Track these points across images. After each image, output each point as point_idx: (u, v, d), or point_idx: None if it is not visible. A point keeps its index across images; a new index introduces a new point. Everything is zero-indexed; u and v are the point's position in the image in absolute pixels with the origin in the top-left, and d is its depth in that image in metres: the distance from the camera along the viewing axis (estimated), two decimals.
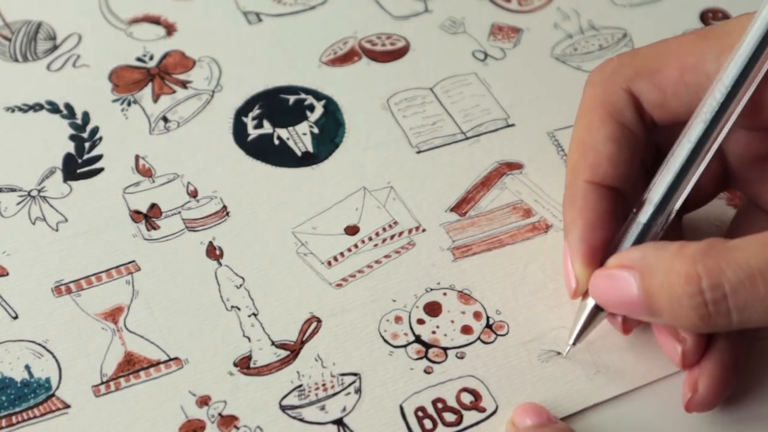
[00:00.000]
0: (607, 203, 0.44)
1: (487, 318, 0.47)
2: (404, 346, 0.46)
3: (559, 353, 0.46)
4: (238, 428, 0.43)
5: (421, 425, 0.44)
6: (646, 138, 0.45)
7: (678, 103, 0.44)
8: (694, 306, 0.38)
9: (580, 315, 0.44)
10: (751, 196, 0.47)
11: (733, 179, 0.47)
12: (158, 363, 0.45)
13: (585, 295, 0.44)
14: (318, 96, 0.56)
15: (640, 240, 0.43)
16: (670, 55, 0.44)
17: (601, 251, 0.43)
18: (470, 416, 0.44)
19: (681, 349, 0.43)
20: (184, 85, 0.56)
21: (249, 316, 0.47)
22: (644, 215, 0.43)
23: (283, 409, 0.44)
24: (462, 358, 0.46)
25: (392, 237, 0.50)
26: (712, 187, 0.47)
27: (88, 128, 0.53)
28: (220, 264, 0.48)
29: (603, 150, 0.44)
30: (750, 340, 0.45)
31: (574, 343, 0.45)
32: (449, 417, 0.44)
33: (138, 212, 0.50)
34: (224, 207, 0.50)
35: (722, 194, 0.50)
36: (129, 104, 0.55)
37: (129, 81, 0.56)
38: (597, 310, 0.44)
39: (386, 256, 0.49)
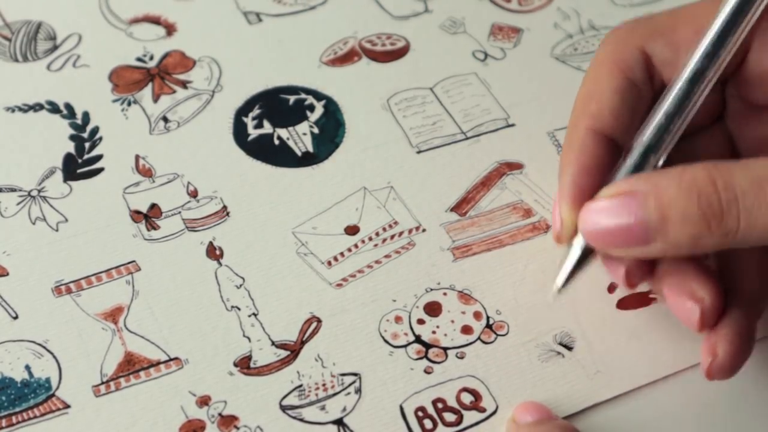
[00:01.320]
0: (603, 151, 0.44)
1: (487, 318, 0.47)
2: (404, 346, 0.46)
3: (559, 353, 0.46)
4: (238, 428, 0.43)
5: (421, 425, 0.44)
6: (652, 96, 0.45)
7: None
8: (709, 203, 0.39)
9: (568, 256, 0.43)
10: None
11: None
12: (158, 363, 0.45)
13: (572, 237, 0.43)
14: (318, 96, 0.56)
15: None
16: (685, 17, 0.45)
17: (588, 196, 0.43)
18: (470, 416, 0.44)
19: (700, 308, 0.42)
20: (184, 85, 0.56)
21: (249, 316, 0.47)
22: (631, 159, 0.43)
23: (283, 409, 0.44)
24: (462, 358, 0.46)
25: (392, 237, 0.50)
26: None
27: (88, 128, 0.53)
28: (220, 264, 0.48)
29: (607, 100, 0.44)
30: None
31: (562, 287, 0.44)
32: (449, 417, 0.44)
33: (138, 212, 0.50)
34: (224, 207, 0.50)
35: None
36: (129, 104, 0.55)
37: (129, 81, 0.56)
38: (587, 251, 0.43)
39: (386, 256, 0.49)
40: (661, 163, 0.43)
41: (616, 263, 0.43)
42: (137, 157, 0.52)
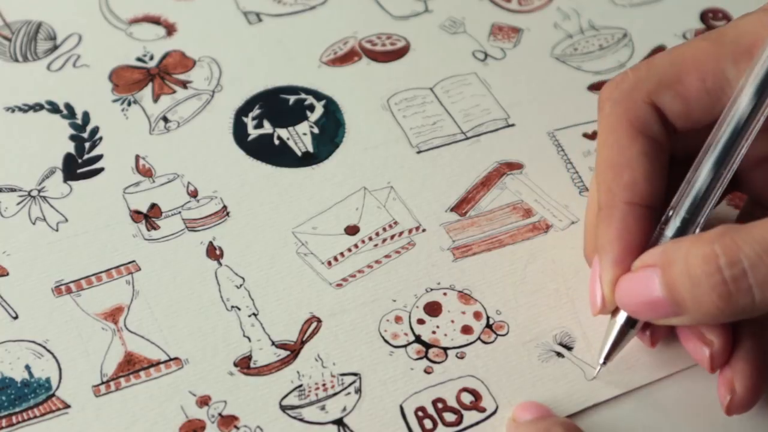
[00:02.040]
0: (643, 223, 0.43)
1: (487, 318, 0.47)
2: (404, 346, 0.46)
3: (559, 354, 0.46)
4: (238, 428, 0.43)
5: (421, 425, 0.44)
6: (670, 149, 0.45)
7: (701, 110, 0.44)
8: (713, 285, 0.38)
9: (610, 332, 0.44)
10: (755, 196, 0.47)
11: (737, 181, 0.47)
12: (158, 363, 0.45)
13: (613, 313, 0.43)
14: (318, 96, 0.56)
15: None
16: (687, 64, 0.44)
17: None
18: (470, 416, 0.44)
19: (709, 352, 0.42)
20: (184, 85, 0.56)
21: (249, 316, 0.47)
22: (671, 229, 0.43)
23: (283, 409, 0.44)
24: (462, 358, 0.46)
25: (392, 237, 0.50)
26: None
27: (88, 128, 0.53)
28: (220, 264, 0.48)
29: (638, 168, 0.43)
30: None
31: (604, 363, 0.44)
32: (449, 417, 0.44)
33: (138, 212, 0.50)
34: (224, 207, 0.50)
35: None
36: (129, 104, 0.55)
37: (129, 81, 0.56)
38: (627, 326, 0.43)
39: (386, 256, 0.49)
40: (701, 226, 0.43)
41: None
42: (137, 157, 0.52)
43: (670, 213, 0.43)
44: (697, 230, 0.42)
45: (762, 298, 0.38)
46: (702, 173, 0.42)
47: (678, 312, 0.40)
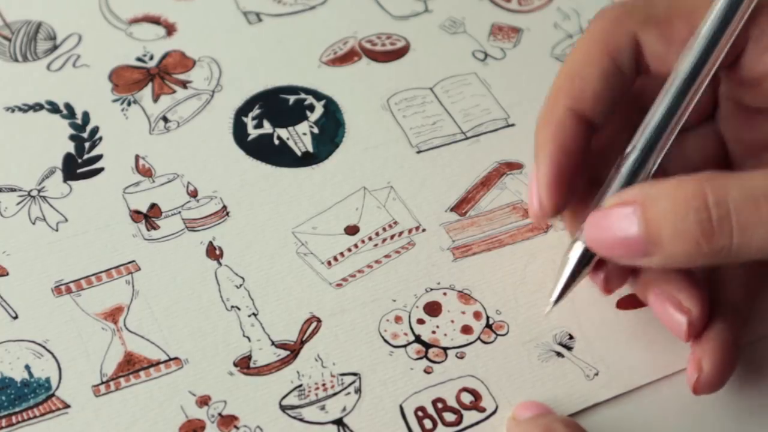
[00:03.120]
0: (581, 132, 0.44)
1: (487, 318, 0.47)
2: (404, 346, 0.46)
3: (559, 354, 0.46)
4: (238, 428, 0.43)
5: (421, 425, 0.44)
6: (632, 84, 0.45)
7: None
8: (699, 221, 0.38)
9: (563, 268, 0.43)
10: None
11: (730, 165, 0.47)
12: (158, 363, 0.45)
13: (567, 251, 0.43)
14: (318, 96, 0.56)
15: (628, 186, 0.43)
16: (682, 8, 0.44)
17: (566, 176, 0.43)
18: (470, 416, 0.44)
19: (687, 320, 0.42)
20: (184, 85, 0.56)
21: (249, 316, 0.47)
22: (626, 167, 0.43)
23: (283, 409, 0.44)
24: (462, 358, 0.46)
25: (392, 237, 0.50)
26: (713, 168, 0.46)
27: (88, 128, 0.53)
28: (220, 264, 0.48)
29: (591, 82, 0.44)
30: (749, 340, 0.46)
31: (556, 300, 0.44)
32: (449, 417, 0.44)
33: (138, 212, 0.50)
34: (224, 207, 0.50)
35: None
36: (129, 104, 0.55)
37: (129, 81, 0.56)
38: (582, 264, 0.43)
39: (386, 256, 0.49)
40: (655, 167, 0.43)
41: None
42: (137, 157, 0.52)
43: (628, 149, 0.43)
44: (655, 167, 0.43)
45: (739, 242, 0.38)
46: (660, 105, 0.43)
47: (650, 251, 0.39)
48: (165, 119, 0.54)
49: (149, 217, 0.50)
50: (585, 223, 0.42)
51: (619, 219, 0.40)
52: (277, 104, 0.55)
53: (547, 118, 0.45)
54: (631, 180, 0.43)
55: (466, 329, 0.47)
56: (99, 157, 0.52)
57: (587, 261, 0.43)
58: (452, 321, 0.47)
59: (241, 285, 0.48)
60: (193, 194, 0.51)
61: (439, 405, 0.44)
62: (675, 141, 0.43)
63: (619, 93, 0.45)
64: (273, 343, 0.46)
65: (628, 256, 0.41)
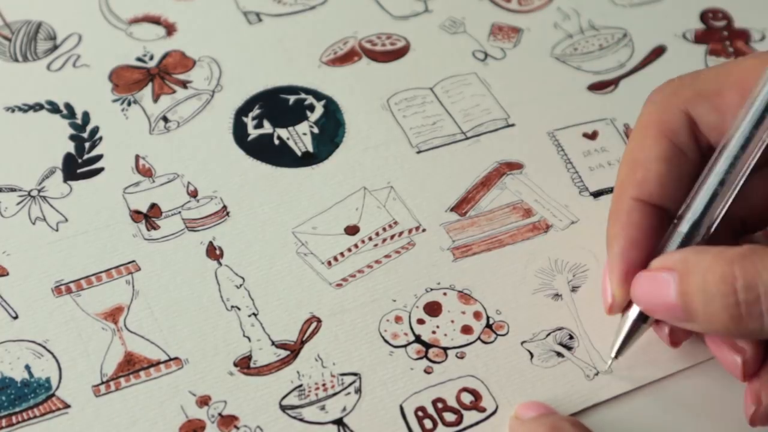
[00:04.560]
0: (651, 221, 0.44)
1: (487, 318, 0.47)
2: (404, 346, 0.46)
3: (559, 354, 0.46)
4: (238, 428, 0.43)
5: (421, 425, 0.44)
6: (700, 161, 0.45)
7: None
8: (726, 306, 0.38)
9: (622, 325, 0.44)
10: None
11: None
12: (158, 363, 0.45)
13: (626, 308, 0.44)
14: (318, 96, 0.56)
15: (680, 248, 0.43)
16: (730, 78, 0.44)
17: (637, 269, 0.43)
18: (470, 416, 0.44)
19: (741, 360, 0.42)
20: (184, 85, 0.56)
21: (249, 316, 0.47)
22: (684, 225, 0.43)
23: (283, 409, 0.44)
24: (462, 358, 0.46)
25: (392, 237, 0.50)
26: None
27: (88, 128, 0.53)
28: (220, 264, 0.48)
29: (652, 168, 0.44)
30: None
31: (616, 357, 0.44)
32: (449, 417, 0.44)
33: (138, 212, 0.50)
34: (224, 207, 0.50)
35: None
36: (129, 104, 0.55)
37: (129, 81, 0.56)
38: (639, 322, 0.44)
39: (386, 256, 0.49)
40: (715, 225, 0.43)
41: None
42: (137, 157, 0.52)
43: (684, 209, 0.43)
44: (712, 229, 0.43)
45: None
46: (715, 169, 0.42)
47: (690, 319, 0.40)
48: (165, 119, 0.54)
49: (149, 217, 0.50)
50: (632, 282, 0.43)
51: (661, 284, 0.41)
52: (277, 104, 0.55)
53: (616, 211, 0.44)
54: (687, 240, 0.43)
55: (466, 329, 0.47)
56: (99, 157, 0.52)
57: (646, 318, 0.44)
58: (452, 321, 0.47)
59: (241, 285, 0.48)
60: (193, 194, 0.51)
61: (440, 405, 0.44)
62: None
63: (685, 173, 0.44)
64: (273, 343, 0.46)
65: (671, 319, 0.42)
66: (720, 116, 0.44)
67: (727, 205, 0.43)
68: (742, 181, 0.43)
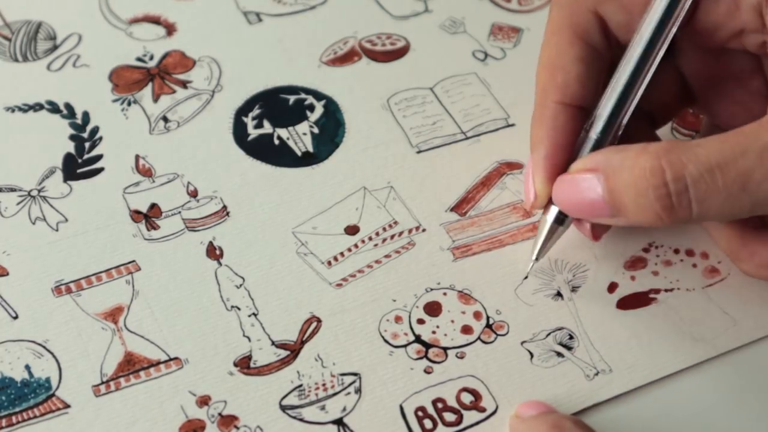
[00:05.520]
0: (573, 123, 0.46)
1: (487, 318, 0.47)
2: (404, 346, 0.46)
3: (559, 354, 0.46)
4: (238, 428, 0.43)
5: (421, 425, 0.44)
6: (610, 58, 0.46)
7: None
8: (658, 197, 0.40)
9: (541, 228, 0.46)
10: (709, 115, 0.50)
11: (692, 98, 0.49)
12: (158, 363, 0.45)
13: (545, 209, 0.46)
14: (318, 96, 0.56)
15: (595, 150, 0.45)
16: None
17: (561, 168, 0.45)
18: (470, 416, 0.44)
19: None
20: (184, 85, 0.56)
21: (249, 316, 0.47)
22: (595, 131, 0.45)
23: (283, 409, 0.44)
24: (462, 358, 0.46)
25: (392, 237, 0.50)
26: (676, 102, 0.49)
27: (88, 128, 0.53)
28: (220, 264, 0.48)
29: (572, 70, 0.46)
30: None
31: (536, 259, 0.47)
32: (449, 417, 0.44)
33: (138, 212, 0.50)
34: (224, 207, 0.50)
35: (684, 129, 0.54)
36: (129, 104, 0.55)
37: (129, 81, 0.56)
38: (558, 223, 0.46)
39: (386, 256, 0.49)
40: (623, 126, 0.45)
41: (580, 221, 0.46)
42: (137, 157, 0.52)
43: (595, 114, 0.45)
44: (620, 131, 0.45)
45: (698, 211, 0.40)
46: (623, 73, 0.45)
47: (617, 215, 0.42)
48: (165, 119, 0.54)
49: (149, 217, 0.50)
50: (553, 186, 0.44)
51: (585, 185, 0.42)
52: (277, 104, 0.55)
53: (540, 116, 0.46)
54: (600, 143, 0.45)
55: (466, 329, 0.47)
56: (99, 157, 0.52)
57: (562, 221, 0.46)
58: (452, 321, 0.47)
59: (241, 285, 0.48)
60: (193, 194, 0.51)
61: (439, 405, 0.44)
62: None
63: (600, 72, 0.46)
64: (273, 343, 0.46)
65: (595, 217, 0.44)
66: (627, 14, 0.46)
67: (634, 104, 0.45)
68: (647, 80, 0.45)
